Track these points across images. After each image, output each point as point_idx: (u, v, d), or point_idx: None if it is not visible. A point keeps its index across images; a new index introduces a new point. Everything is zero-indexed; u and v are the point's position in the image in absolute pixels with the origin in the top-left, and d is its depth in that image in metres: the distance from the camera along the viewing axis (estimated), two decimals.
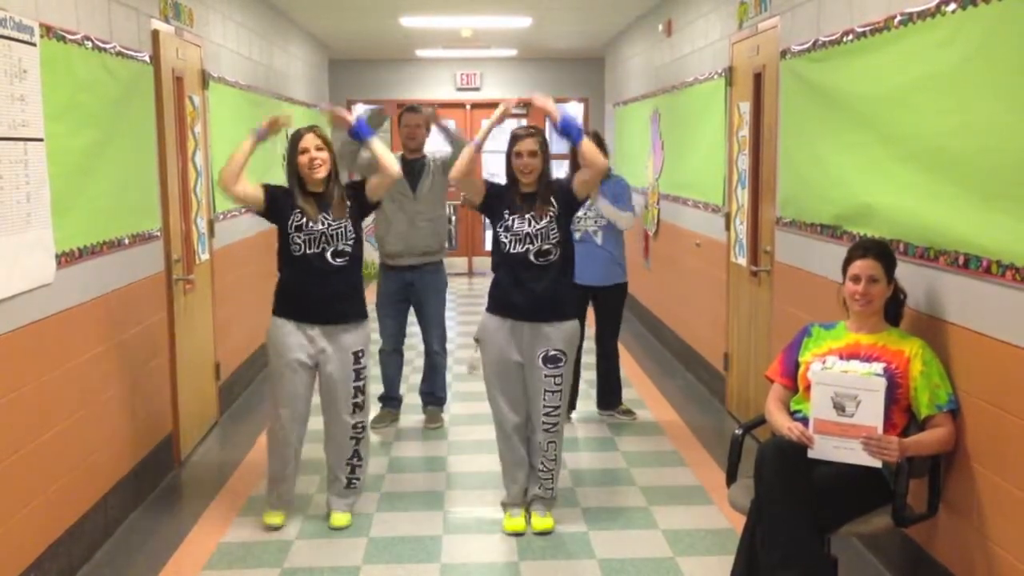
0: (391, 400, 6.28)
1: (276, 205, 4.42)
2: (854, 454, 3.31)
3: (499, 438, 4.55)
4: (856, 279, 3.55)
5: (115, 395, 4.58)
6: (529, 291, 4.34)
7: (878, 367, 3.44)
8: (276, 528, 4.50)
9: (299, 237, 4.36)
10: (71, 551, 4.04)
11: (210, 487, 5.14)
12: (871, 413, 3.30)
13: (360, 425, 4.56)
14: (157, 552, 4.33)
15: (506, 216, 4.39)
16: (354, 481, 4.62)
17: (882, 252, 3.57)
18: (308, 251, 4.36)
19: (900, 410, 3.42)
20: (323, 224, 4.37)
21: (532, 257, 4.35)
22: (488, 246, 13.93)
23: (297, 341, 4.41)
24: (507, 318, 4.40)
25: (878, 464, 3.31)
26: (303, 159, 4.36)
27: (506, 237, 4.39)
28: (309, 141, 4.37)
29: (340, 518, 4.56)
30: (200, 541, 4.44)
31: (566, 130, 4.33)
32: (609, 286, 6.07)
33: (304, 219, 4.36)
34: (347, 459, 4.57)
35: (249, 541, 4.41)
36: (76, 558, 4.10)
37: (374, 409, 6.34)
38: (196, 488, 5.20)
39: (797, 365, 3.67)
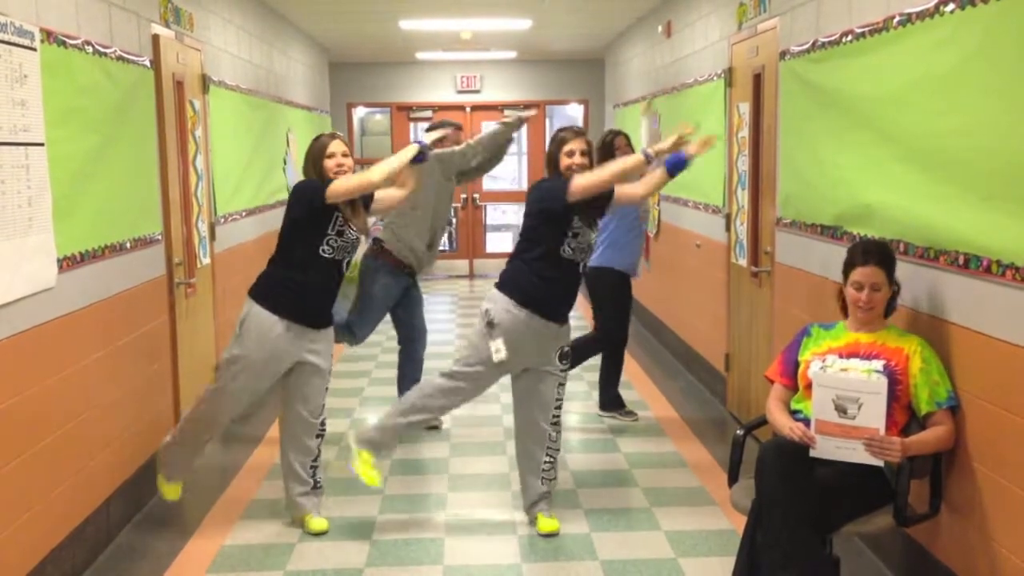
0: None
1: (321, 207, 4.24)
2: (856, 454, 3.31)
3: (448, 375, 4.46)
4: (859, 287, 3.54)
5: (117, 399, 4.58)
6: (571, 296, 4.43)
7: (878, 364, 3.44)
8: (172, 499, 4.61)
9: (335, 241, 4.27)
10: (74, 555, 4.05)
11: (212, 491, 5.14)
12: (873, 415, 3.30)
13: (324, 423, 4.57)
14: (160, 556, 4.33)
15: (576, 222, 4.27)
16: (319, 482, 4.59)
17: (884, 258, 3.56)
18: (336, 257, 4.31)
19: (901, 408, 3.42)
20: (352, 236, 4.34)
21: (581, 268, 4.40)
22: (489, 248, 13.99)
23: (285, 346, 4.31)
24: (543, 318, 4.34)
25: (880, 463, 3.32)
26: (330, 163, 4.28)
27: (572, 244, 4.28)
28: (337, 147, 4.32)
29: (319, 523, 4.51)
30: (203, 545, 4.44)
31: (677, 165, 4.37)
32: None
33: (346, 226, 4.29)
34: (312, 460, 4.53)
35: (252, 544, 4.41)
36: (79, 562, 4.10)
37: (377, 414, 6.34)
38: (198, 492, 5.20)
39: (797, 365, 3.68)
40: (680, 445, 5.79)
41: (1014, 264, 3.07)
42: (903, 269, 3.79)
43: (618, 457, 5.60)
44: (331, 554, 4.31)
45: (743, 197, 6.11)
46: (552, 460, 4.52)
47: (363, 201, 4.43)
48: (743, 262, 6.14)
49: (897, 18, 3.83)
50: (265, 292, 4.33)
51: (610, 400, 6.32)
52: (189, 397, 5.62)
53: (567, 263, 4.32)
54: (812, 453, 3.37)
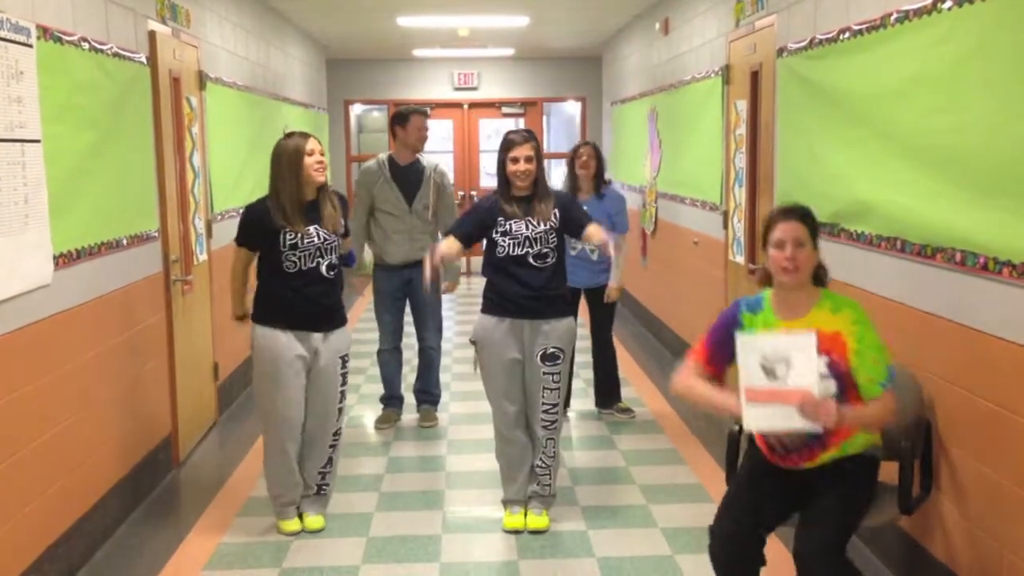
0: (393, 399, 6.26)
1: (262, 238, 4.31)
2: (791, 420, 3.08)
3: (498, 439, 4.54)
4: (781, 244, 3.22)
5: (114, 396, 4.58)
6: (527, 289, 4.35)
7: (822, 364, 3.18)
8: (296, 532, 4.45)
9: (294, 255, 4.25)
10: (70, 552, 4.04)
11: (209, 488, 5.14)
12: (804, 372, 3.05)
13: (339, 432, 4.50)
14: (156, 553, 4.33)
15: (502, 222, 4.38)
16: (324, 488, 4.55)
17: (805, 215, 3.29)
18: (304, 267, 4.27)
19: (856, 398, 3.18)
20: (318, 237, 4.28)
21: (531, 260, 4.35)
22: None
23: (292, 343, 4.29)
24: (505, 317, 4.39)
25: (818, 429, 3.08)
26: (310, 161, 4.26)
27: (504, 241, 4.36)
28: (314, 144, 4.30)
29: (315, 521, 4.51)
30: (199, 542, 4.44)
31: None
32: (597, 287, 6.14)
33: (298, 236, 4.25)
34: (321, 466, 4.49)
35: (249, 541, 4.41)
36: (75, 559, 4.10)
37: (376, 410, 6.36)
38: (195, 489, 5.20)
39: (727, 355, 3.34)
40: (677, 442, 5.79)
41: (1010, 261, 3.07)
42: (899, 267, 3.80)
43: (615, 454, 5.61)
44: (327, 551, 4.31)
45: (740, 194, 6.11)
46: (545, 467, 4.50)
47: (340, 200, 4.46)
48: (740, 259, 6.14)
49: (895, 15, 3.83)
50: (258, 311, 4.37)
51: (606, 395, 6.35)
52: (185, 394, 5.63)
53: (512, 259, 4.35)
54: (745, 426, 3.18)
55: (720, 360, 3.40)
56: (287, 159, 4.27)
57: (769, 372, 3.08)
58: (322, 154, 4.31)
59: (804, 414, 3.05)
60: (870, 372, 3.13)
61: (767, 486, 3.33)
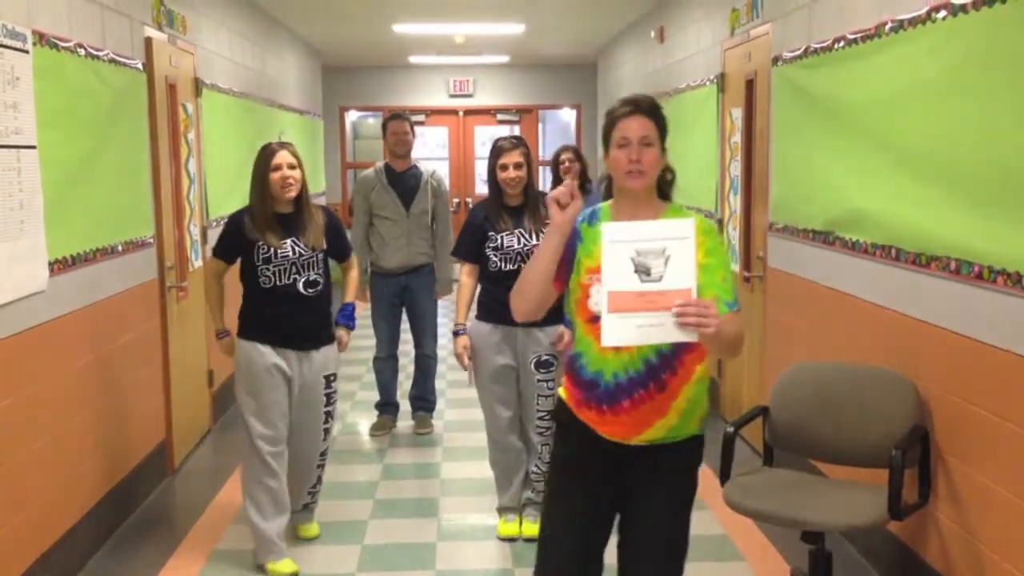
0: (388, 407, 6.26)
1: (238, 249, 4.13)
2: (663, 331, 2.46)
3: (492, 446, 4.54)
4: (625, 142, 2.68)
5: (108, 403, 4.57)
6: None
7: None
8: (295, 574, 4.12)
9: (268, 269, 4.06)
10: (63, 560, 4.03)
11: (204, 495, 5.13)
12: (683, 271, 2.45)
13: (326, 452, 4.37)
14: (151, 560, 4.31)
15: (493, 237, 4.38)
16: (312, 504, 4.47)
17: (654, 109, 2.75)
18: (279, 282, 4.06)
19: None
20: (293, 252, 4.07)
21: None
22: None
23: (269, 354, 4.08)
24: (500, 324, 4.39)
25: (693, 338, 2.46)
26: (275, 176, 4.04)
27: (496, 256, 4.36)
28: (282, 158, 4.06)
29: (309, 529, 4.48)
30: (194, 549, 4.42)
31: None
32: None
33: (271, 250, 4.06)
34: (310, 487, 4.39)
35: (243, 549, 4.39)
36: (69, 567, 4.08)
37: (371, 417, 6.35)
38: (189, 496, 5.18)
39: (568, 271, 2.80)
40: None
41: (1005, 270, 3.08)
42: (894, 275, 3.80)
43: None
44: (322, 559, 4.30)
45: (735, 202, 6.12)
46: (540, 472, 4.48)
47: (328, 218, 4.27)
48: (735, 267, 6.15)
49: (889, 24, 3.85)
50: (240, 326, 4.17)
51: None
52: (180, 401, 5.62)
53: (505, 274, 4.32)
54: (603, 342, 2.52)
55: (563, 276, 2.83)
56: (257, 170, 4.10)
57: (642, 270, 2.47)
58: (291, 167, 4.06)
59: (684, 321, 2.41)
60: (718, 289, 2.60)
61: (590, 489, 2.87)
